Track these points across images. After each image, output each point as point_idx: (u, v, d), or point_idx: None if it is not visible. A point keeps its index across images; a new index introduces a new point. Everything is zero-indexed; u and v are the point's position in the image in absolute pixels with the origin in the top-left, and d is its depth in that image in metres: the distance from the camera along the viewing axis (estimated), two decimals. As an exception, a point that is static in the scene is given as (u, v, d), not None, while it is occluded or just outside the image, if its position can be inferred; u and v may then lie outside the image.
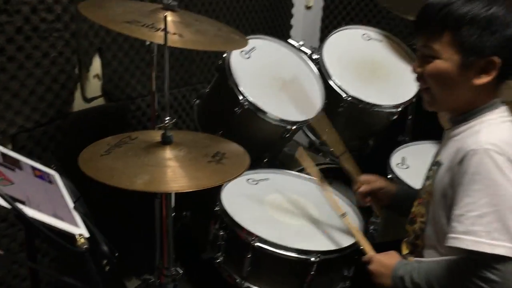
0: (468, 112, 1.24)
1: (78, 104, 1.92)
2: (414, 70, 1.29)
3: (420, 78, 1.28)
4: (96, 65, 1.96)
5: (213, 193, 1.65)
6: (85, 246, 0.80)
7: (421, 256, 1.36)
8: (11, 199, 0.81)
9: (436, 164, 1.31)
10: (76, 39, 1.79)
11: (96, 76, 1.98)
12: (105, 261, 0.83)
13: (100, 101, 2.03)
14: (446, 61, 1.20)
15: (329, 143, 1.60)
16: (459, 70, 1.19)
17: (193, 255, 1.80)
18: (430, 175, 1.34)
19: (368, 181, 1.58)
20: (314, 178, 1.63)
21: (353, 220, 1.66)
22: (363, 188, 1.58)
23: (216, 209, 1.60)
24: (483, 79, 1.18)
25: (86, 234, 0.84)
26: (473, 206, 1.11)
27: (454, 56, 1.19)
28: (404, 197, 1.55)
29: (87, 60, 1.90)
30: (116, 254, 0.87)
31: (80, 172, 1.24)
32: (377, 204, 1.61)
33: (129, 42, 2.04)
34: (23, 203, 0.86)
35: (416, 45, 2.19)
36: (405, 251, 1.44)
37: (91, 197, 1.27)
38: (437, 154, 1.36)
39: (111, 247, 0.88)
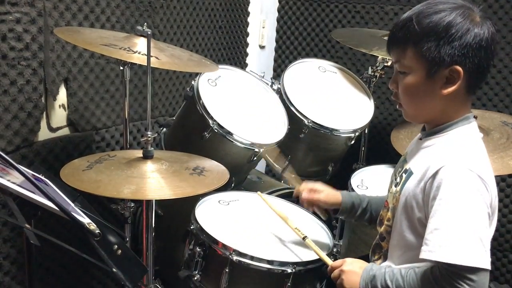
0: (442, 125, 1.30)
1: (44, 133, 1.91)
2: (390, 87, 1.35)
3: (395, 94, 1.34)
4: (62, 95, 1.98)
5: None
6: (97, 231, 0.82)
7: (385, 258, 1.41)
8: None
9: (405, 171, 1.36)
10: (43, 68, 1.81)
11: (62, 106, 1.99)
12: (115, 247, 0.84)
13: (65, 131, 2.03)
14: (414, 75, 1.26)
15: (271, 159, 1.66)
16: (426, 82, 1.25)
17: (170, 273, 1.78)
18: (398, 182, 1.37)
19: (309, 190, 1.61)
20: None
21: (323, 238, 1.73)
22: (302, 197, 1.60)
23: (191, 227, 1.61)
24: (450, 89, 1.23)
25: (94, 224, 0.85)
26: (449, 221, 1.15)
27: (419, 69, 1.24)
28: (349, 208, 1.59)
29: (53, 89, 1.91)
30: (127, 239, 0.89)
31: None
32: (320, 210, 1.64)
33: (95, 74, 2.08)
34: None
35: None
36: (371, 255, 1.48)
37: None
38: (405, 162, 1.40)
39: (120, 233, 0.89)
